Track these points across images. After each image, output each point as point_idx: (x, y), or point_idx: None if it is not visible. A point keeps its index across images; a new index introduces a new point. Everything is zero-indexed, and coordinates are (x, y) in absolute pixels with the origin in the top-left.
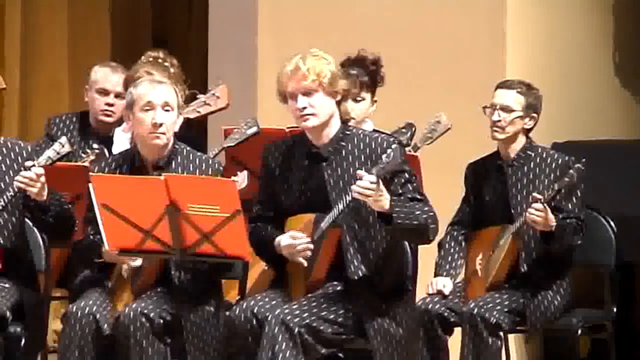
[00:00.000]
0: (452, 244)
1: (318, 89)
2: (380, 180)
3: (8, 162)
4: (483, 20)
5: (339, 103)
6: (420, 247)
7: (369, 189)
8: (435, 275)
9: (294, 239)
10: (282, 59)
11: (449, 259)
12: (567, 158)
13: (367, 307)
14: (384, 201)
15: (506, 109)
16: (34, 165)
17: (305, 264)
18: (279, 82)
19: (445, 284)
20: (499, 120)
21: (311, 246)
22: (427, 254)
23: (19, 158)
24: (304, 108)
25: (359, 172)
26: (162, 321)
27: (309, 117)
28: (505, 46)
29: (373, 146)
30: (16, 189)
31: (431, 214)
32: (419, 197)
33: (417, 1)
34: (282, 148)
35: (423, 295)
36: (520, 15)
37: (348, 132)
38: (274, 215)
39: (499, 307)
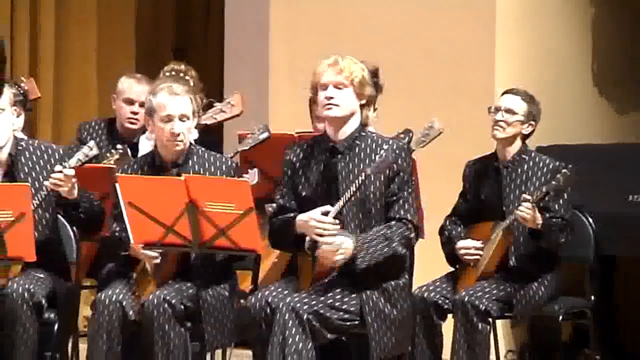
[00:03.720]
0: (453, 226)
1: (348, 86)
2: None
3: (42, 163)
4: (475, 35)
5: (362, 107)
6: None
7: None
8: (451, 247)
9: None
10: (293, 68)
11: (454, 232)
12: (557, 163)
13: (366, 291)
14: (348, 251)
15: (510, 112)
16: (64, 167)
17: (320, 239)
18: (315, 74)
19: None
20: (502, 120)
21: (330, 228)
22: (422, 248)
23: (52, 159)
24: (331, 98)
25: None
26: (182, 307)
27: (332, 107)
28: (494, 58)
29: (384, 147)
30: (48, 189)
31: (397, 238)
32: (395, 216)
33: (417, 15)
34: (304, 146)
35: (420, 284)
36: (508, 30)
37: (363, 134)
38: (295, 205)
39: (487, 296)
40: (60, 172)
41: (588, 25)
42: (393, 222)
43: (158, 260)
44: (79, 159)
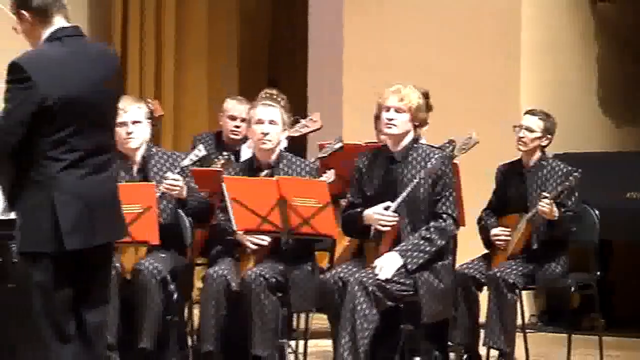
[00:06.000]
0: (487, 217)
1: (406, 111)
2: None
3: (167, 164)
4: (504, 65)
5: (415, 127)
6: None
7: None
8: (486, 234)
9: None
10: (361, 91)
11: (488, 222)
12: (570, 168)
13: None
14: (396, 258)
15: (529, 129)
16: (172, 173)
17: (384, 229)
18: (381, 97)
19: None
20: (524, 137)
21: (390, 220)
22: (463, 234)
23: (175, 163)
24: (392, 119)
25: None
26: (274, 280)
27: (391, 127)
28: (519, 84)
29: (431, 156)
30: (161, 192)
31: (435, 235)
32: (439, 211)
33: (458, 51)
34: (370, 155)
35: (461, 263)
36: (531, 62)
37: (416, 146)
38: (362, 202)
39: (515, 272)
40: (167, 177)
41: (594, 58)
42: (431, 223)
43: (254, 247)
44: (191, 159)
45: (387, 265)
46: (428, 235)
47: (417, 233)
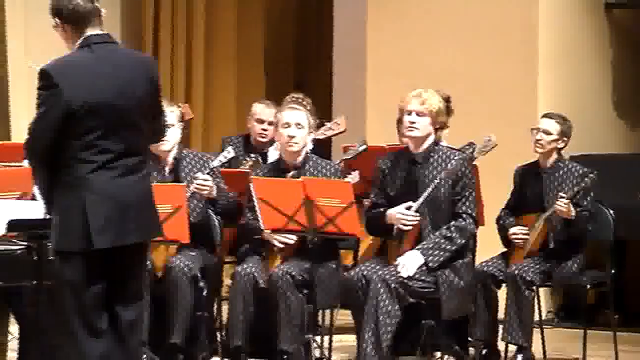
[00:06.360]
0: (506, 216)
1: (427, 115)
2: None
3: (198, 166)
4: (522, 70)
5: (436, 129)
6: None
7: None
8: (505, 233)
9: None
10: (384, 96)
11: (507, 221)
12: (585, 169)
13: (439, 267)
14: (417, 256)
15: (546, 132)
16: (207, 173)
17: (406, 229)
18: (403, 101)
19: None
20: (541, 140)
21: (412, 219)
22: (482, 232)
23: (205, 164)
24: (413, 122)
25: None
26: (300, 278)
27: (413, 130)
28: (537, 88)
29: (451, 158)
30: (191, 192)
31: (456, 234)
32: (459, 211)
33: (474, 58)
34: (392, 157)
35: (481, 261)
36: (547, 67)
37: (437, 148)
38: (385, 202)
39: (532, 269)
40: (197, 178)
41: (609, 63)
42: (452, 222)
43: (281, 245)
44: (221, 160)
45: (409, 263)
46: (449, 234)
47: (438, 232)
